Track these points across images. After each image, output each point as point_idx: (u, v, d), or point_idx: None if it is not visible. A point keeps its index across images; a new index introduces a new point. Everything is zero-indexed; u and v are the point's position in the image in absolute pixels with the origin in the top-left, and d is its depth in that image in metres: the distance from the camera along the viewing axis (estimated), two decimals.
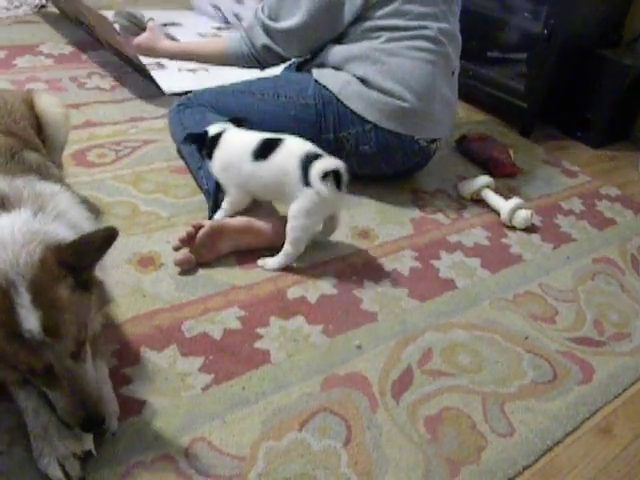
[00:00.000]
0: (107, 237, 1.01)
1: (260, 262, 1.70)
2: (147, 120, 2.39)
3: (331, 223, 1.78)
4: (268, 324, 1.51)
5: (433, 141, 2.12)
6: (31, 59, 2.79)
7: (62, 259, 1.00)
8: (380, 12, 1.96)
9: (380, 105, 1.97)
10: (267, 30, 2.02)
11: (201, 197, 1.92)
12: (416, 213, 2.08)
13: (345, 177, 1.58)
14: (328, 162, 1.59)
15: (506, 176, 2.43)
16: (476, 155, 2.51)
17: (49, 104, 1.72)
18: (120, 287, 1.53)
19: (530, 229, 2.10)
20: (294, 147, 1.67)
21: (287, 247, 1.67)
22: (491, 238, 2.03)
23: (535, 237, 2.08)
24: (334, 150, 2.03)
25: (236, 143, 1.75)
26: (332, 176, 1.56)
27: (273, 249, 1.72)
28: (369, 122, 1.99)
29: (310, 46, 2.09)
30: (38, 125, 1.65)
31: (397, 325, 1.58)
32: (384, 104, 1.97)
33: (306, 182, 1.59)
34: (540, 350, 1.58)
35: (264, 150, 1.68)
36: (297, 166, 1.61)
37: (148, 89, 2.65)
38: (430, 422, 1.32)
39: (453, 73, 2.12)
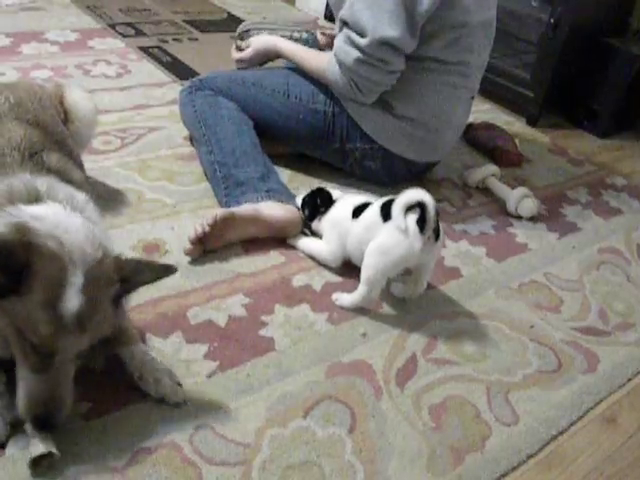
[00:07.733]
0: (165, 269, 1.13)
1: (335, 295, 1.58)
2: (152, 107, 2.39)
3: (414, 280, 1.59)
4: (273, 312, 1.51)
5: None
6: (37, 46, 2.78)
7: (119, 268, 1.06)
8: (437, 43, 1.82)
9: (392, 130, 1.92)
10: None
11: (206, 184, 1.91)
12: None
13: (431, 220, 1.43)
14: (413, 194, 1.45)
15: (512, 165, 2.43)
16: (482, 144, 2.50)
17: (80, 98, 1.70)
18: None
19: (536, 218, 2.10)
20: (382, 203, 1.56)
21: (360, 287, 1.53)
22: (497, 227, 2.03)
23: (541, 226, 2.07)
24: (339, 159, 2.03)
25: (346, 205, 1.67)
26: (418, 214, 1.42)
27: (280, 239, 1.73)
28: (377, 143, 1.95)
29: None
30: (65, 120, 1.63)
31: (402, 313, 1.58)
32: (396, 129, 1.92)
33: (386, 218, 1.48)
34: (545, 339, 1.58)
35: (361, 210, 1.60)
36: (379, 212, 1.52)
37: (153, 76, 2.64)
38: (434, 410, 1.32)
39: (472, 97, 2.06)
